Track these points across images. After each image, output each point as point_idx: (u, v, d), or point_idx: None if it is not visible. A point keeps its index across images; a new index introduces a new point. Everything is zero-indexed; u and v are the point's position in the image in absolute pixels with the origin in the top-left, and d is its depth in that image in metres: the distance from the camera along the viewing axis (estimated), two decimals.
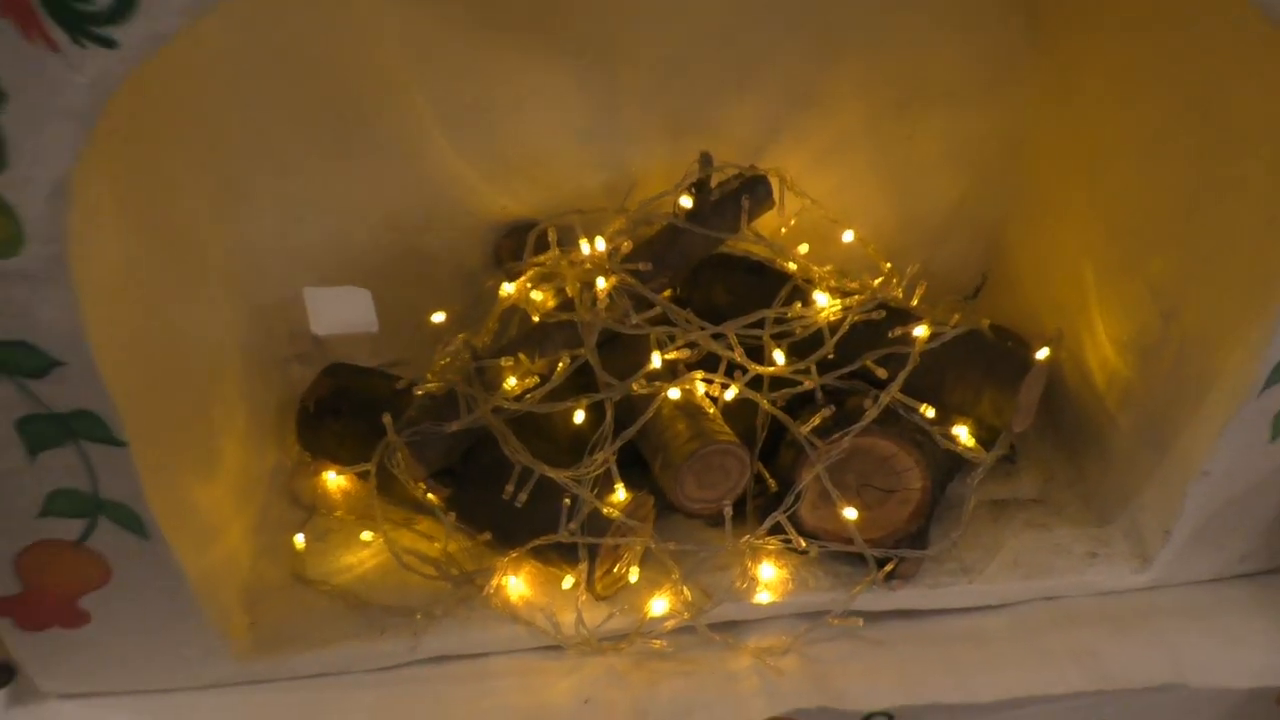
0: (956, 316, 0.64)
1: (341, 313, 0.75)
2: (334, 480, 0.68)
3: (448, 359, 0.62)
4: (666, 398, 0.58)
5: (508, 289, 0.65)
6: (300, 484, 0.68)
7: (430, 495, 0.60)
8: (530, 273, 0.64)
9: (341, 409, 0.66)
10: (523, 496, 0.57)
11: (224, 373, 0.63)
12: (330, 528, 0.66)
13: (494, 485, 0.58)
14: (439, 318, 0.67)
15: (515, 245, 0.68)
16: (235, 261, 0.66)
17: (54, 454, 0.47)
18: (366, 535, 0.64)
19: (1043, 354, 0.61)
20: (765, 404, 0.59)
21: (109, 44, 0.35)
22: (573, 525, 0.56)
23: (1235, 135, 0.52)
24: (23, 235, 0.39)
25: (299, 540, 0.64)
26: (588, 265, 0.62)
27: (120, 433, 0.46)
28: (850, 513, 0.57)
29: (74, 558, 0.51)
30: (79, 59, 0.36)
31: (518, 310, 0.65)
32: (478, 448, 0.60)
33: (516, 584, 0.60)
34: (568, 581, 0.59)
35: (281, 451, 0.70)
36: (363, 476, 0.61)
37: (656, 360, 0.58)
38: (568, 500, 0.56)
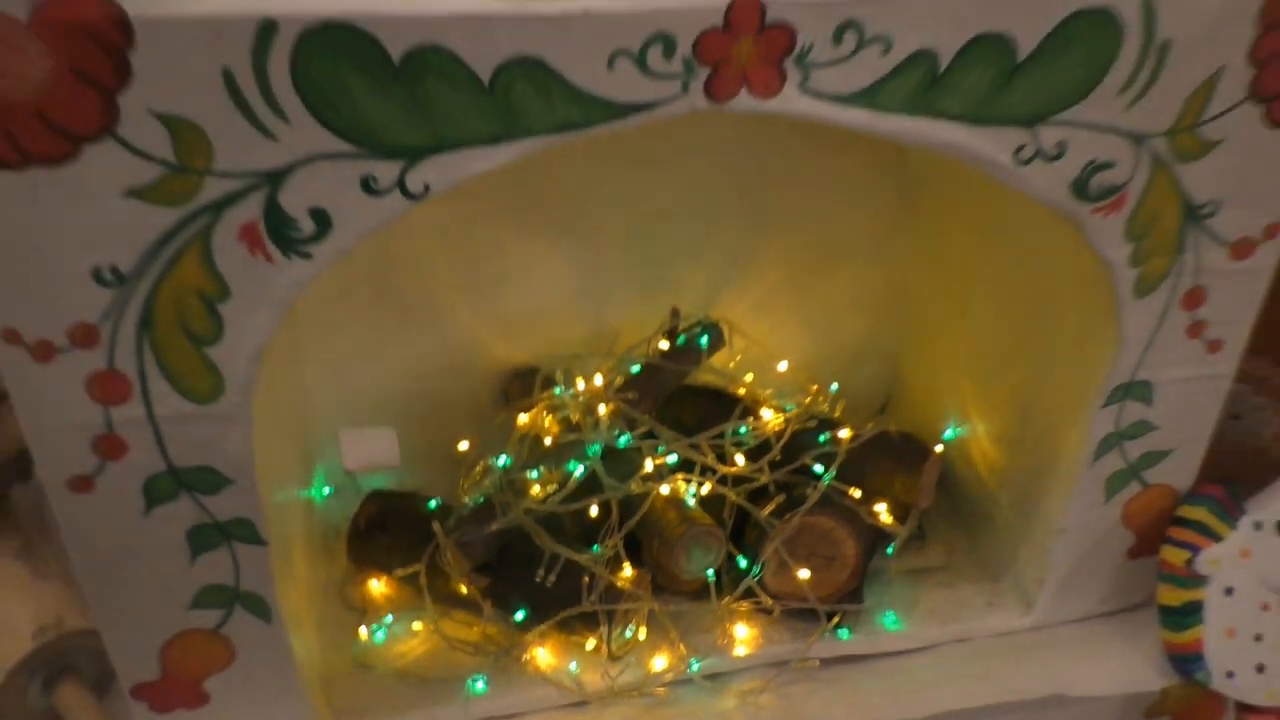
0: (871, 424, 0.83)
1: (370, 449, 0.90)
2: (378, 587, 0.82)
3: (478, 476, 0.78)
4: (658, 493, 0.75)
5: (523, 419, 0.82)
6: (352, 591, 0.82)
7: (473, 586, 0.75)
8: (540, 405, 0.82)
9: (388, 524, 0.81)
10: (551, 578, 0.73)
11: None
12: (381, 625, 0.80)
13: (526, 572, 0.74)
14: (464, 445, 0.84)
15: (522, 386, 0.86)
16: (296, 404, 0.82)
17: (211, 555, 0.61)
18: (416, 625, 0.78)
19: (938, 447, 0.81)
20: (732, 496, 0.77)
21: (307, 257, 0.53)
22: (593, 597, 0.72)
23: (1053, 283, 0.73)
24: (224, 387, 0.55)
25: (363, 632, 0.78)
26: (586, 397, 0.80)
27: (265, 534, 0.61)
28: (804, 573, 0.75)
29: (209, 644, 0.64)
30: (286, 267, 0.53)
31: (529, 436, 0.82)
32: (510, 545, 0.76)
33: (544, 653, 0.75)
34: (590, 644, 0.74)
35: (331, 565, 0.85)
36: (412, 578, 0.76)
37: (649, 465, 0.75)
38: (587, 578, 0.72)
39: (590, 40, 0.49)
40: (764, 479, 0.77)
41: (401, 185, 0.51)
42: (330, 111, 0.48)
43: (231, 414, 0.56)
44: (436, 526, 0.74)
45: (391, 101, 0.49)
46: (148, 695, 0.66)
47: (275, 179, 0.50)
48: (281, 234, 0.51)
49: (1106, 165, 0.60)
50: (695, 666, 0.74)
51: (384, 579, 0.81)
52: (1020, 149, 0.58)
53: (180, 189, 0.49)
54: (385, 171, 0.51)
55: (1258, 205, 0.65)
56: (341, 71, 0.47)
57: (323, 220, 0.51)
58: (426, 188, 0.52)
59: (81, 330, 0.52)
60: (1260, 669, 0.77)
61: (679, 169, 0.83)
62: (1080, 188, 0.60)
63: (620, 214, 0.85)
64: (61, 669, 0.72)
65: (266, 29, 0.46)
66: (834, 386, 0.87)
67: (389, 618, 0.78)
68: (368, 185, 0.51)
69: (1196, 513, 0.77)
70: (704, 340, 0.82)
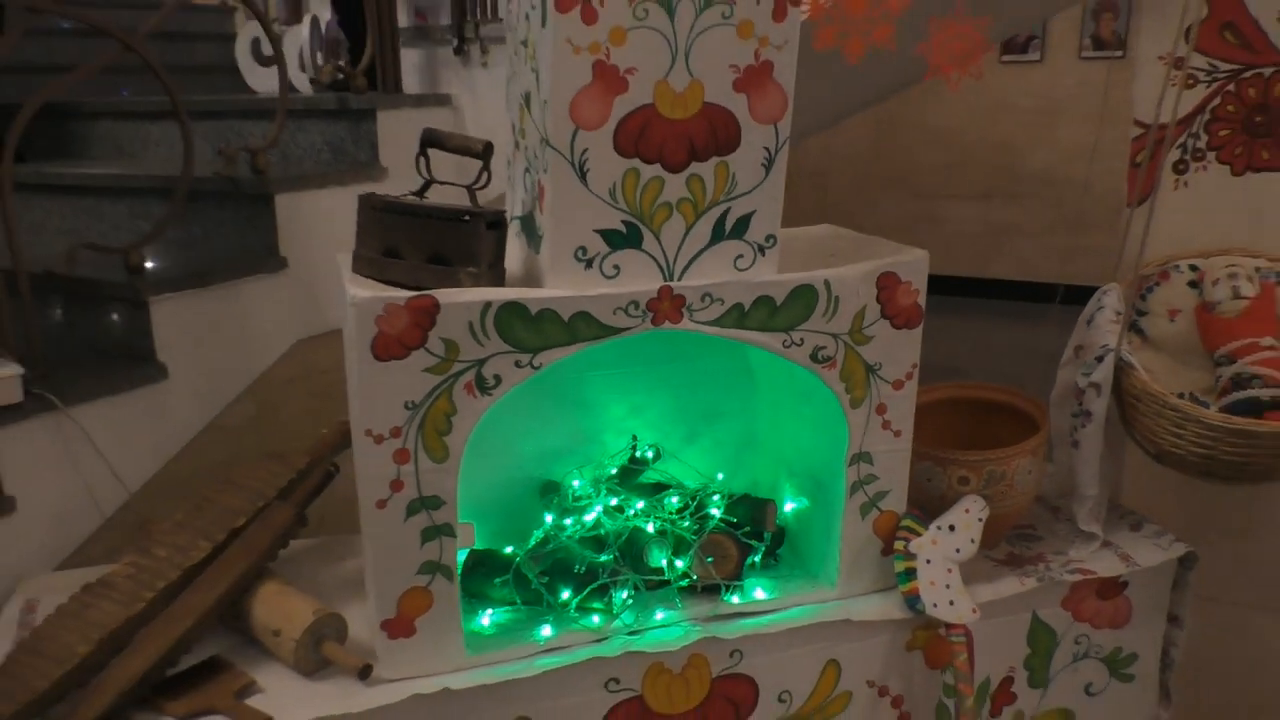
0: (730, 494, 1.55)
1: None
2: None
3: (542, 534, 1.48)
4: (638, 528, 1.45)
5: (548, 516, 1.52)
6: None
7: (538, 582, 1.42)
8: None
9: (481, 563, 1.48)
10: (582, 569, 1.41)
11: None
12: (485, 610, 1.46)
13: (569, 571, 1.42)
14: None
15: (548, 488, 1.56)
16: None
17: (430, 544, 1.28)
18: (506, 608, 1.44)
19: (771, 501, 1.54)
20: (673, 528, 1.48)
21: (490, 396, 1.25)
22: (605, 578, 1.40)
23: (814, 406, 1.49)
24: (449, 456, 1.25)
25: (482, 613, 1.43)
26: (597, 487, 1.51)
27: (457, 533, 1.29)
28: (710, 565, 1.45)
29: (423, 595, 1.30)
30: (481, 401, 1.25)
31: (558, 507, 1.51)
32: (558, 560, 1.44)
33: (576, 612, 1.42)
34: (601, 607, 1.41)
35: None
36: (505, 586, 1.43)
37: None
38: (601, 572, 1.41)
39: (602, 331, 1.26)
40: (686, 520, 1.48)
41: (532, 364, 1.25)
42: (507, 335, 1.23)
43: (450, 469, 1.26)
44: (521, 557, 1.42)
45: (529, 330, 1.23)
46: (388, 627, 1.30)
47: (481, 363, 1.23)
48: (482, 386, 1.24)
49: (823, 347, 1.37)
50: (658, 614, 1.42)
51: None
52: (785, 342, 1.35)
53: (444, 369, 1.22)
54: (524, 359, 1.25)
55: (900, 364, 1.43)
56: (509, 321, 1.22)
57: (498, 381, 1.25)
58: (538, 366, 1.26)
59: (395, 430, 1.23)
60: (951, 603, 1.47)
61: (631, 372, 1.59)
62: (814, 357, 1.38)
63: (610, 391, 1.59)
64: (322, 636, 1.35)
65: (487, 304, 1.21)
66: (720, 477, 1.60)
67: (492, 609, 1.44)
68: (517, 364, 1.25)
69: (908, 523, 1.50)
70: (649, 454, 1.55)
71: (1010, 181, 6.00)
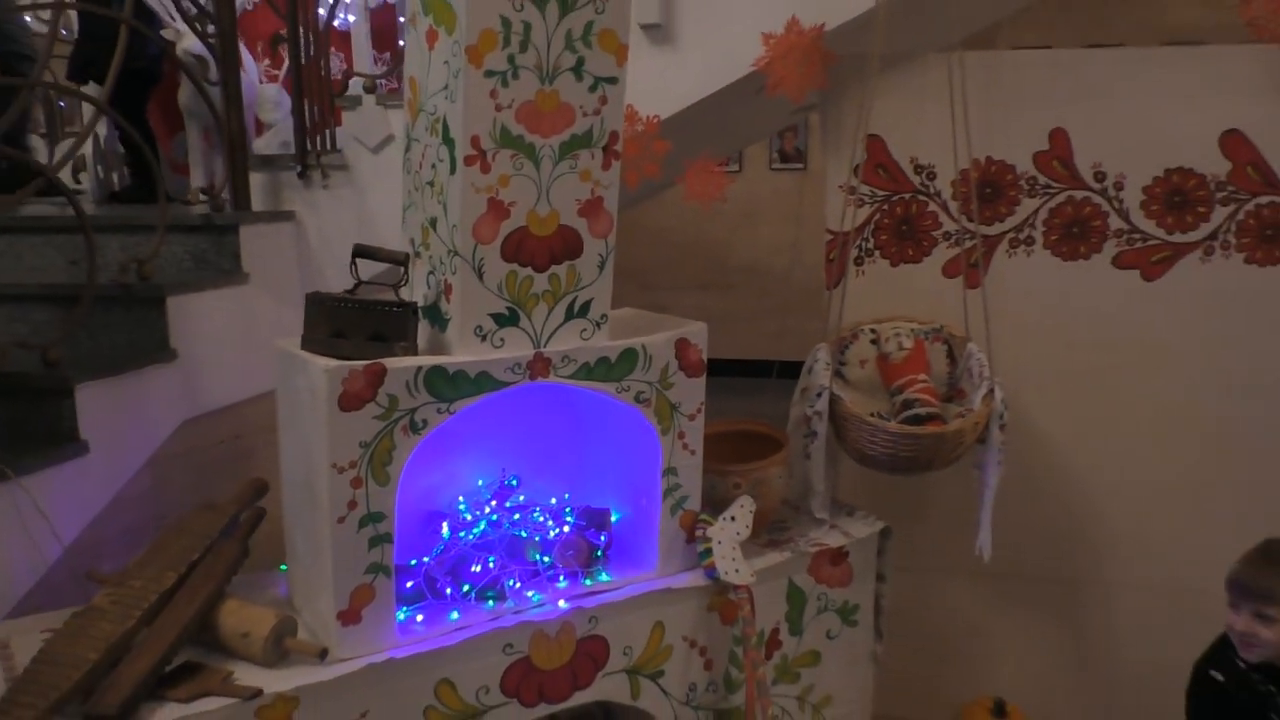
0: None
1: None
2: None
3: None
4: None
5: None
6: None
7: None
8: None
9: None
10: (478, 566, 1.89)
11: None
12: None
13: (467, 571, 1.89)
14: None
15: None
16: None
17: (374, 549, 1.72)
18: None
19: (608, 509, 2.09)
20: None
21: (420, 434, 1.73)
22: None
23: (640, 435, 2.07)
24: (390, 480, 1.71)
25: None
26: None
27: (393, 539, 1.73)
28: (570, 557, 1.97)
29: (368, 590, 1.72)
30: (413, 439, 1.73)
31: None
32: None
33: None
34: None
35: None
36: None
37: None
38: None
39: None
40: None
41: (449, 410, 1.75)
42: (432, 390, 1.72)
43: (390, 491, 1.72)
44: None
45: (447, 385, 1.73)
46: (341, 617, 1.72)
47: (413, 411, 1.71)
48: (414, 428, 1.72)
49: (643, 392, 1.96)
50: (537, 596, 1.92)
51: None
52: (618, 389, 1.93)
53: (387, 416, 1.69)
54: (443, 406, 1.74)
55: (693, 402, 2.04)
56: (434, 380, 1.72)
57: (425, 423, 1.73)
58: (453, 411, 1.76)
59: (352, 463, 1.67)
60: (737, 571, 2.07)
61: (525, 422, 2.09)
62: (637, 399, 1.96)
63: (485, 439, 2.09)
64: (283, 633, 1.74)
65: (419, 368, 1.70)
66: (567, 495, 2.13)
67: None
68: (438, 410, 1.74)
69: (703, 517, 2.10)
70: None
71: (722, 274, 6.99)
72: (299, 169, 2.63)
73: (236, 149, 2.51)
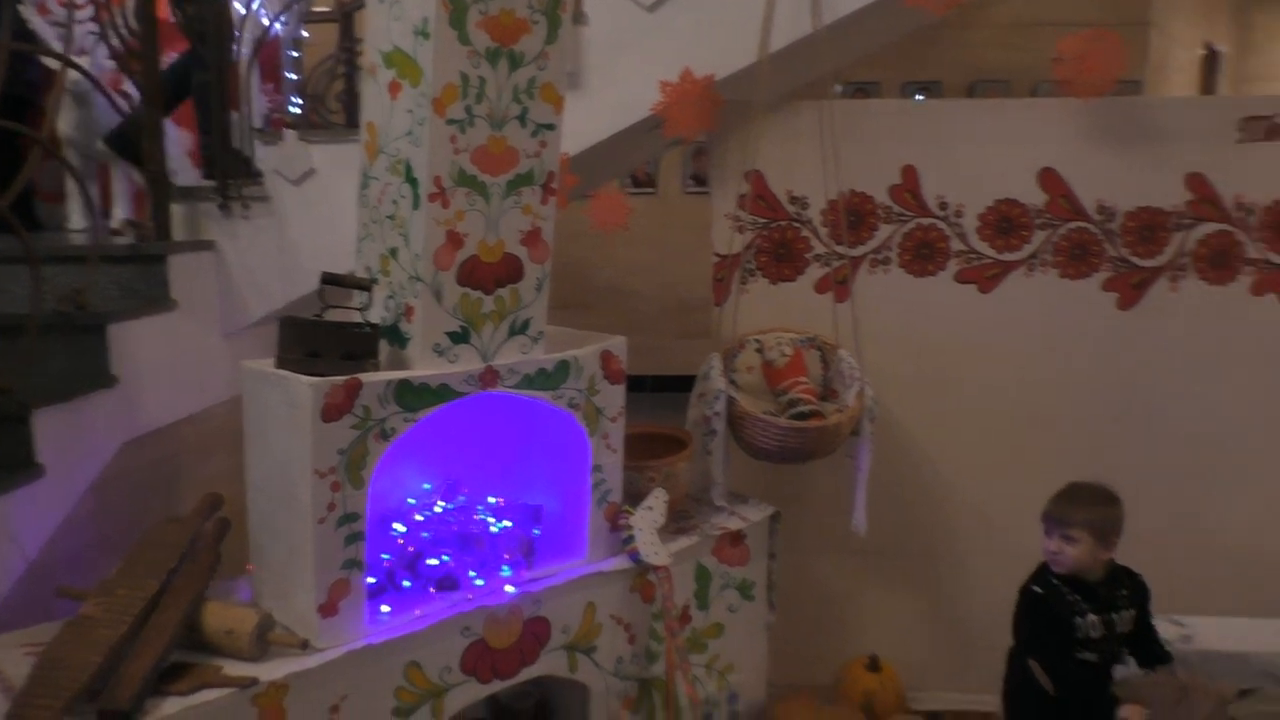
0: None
1: None
2: None
3: None
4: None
5: None
6: None
7: None
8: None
9: None
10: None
11: None
12: None
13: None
14: None
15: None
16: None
17: (350, 546, 1.91)
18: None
19: (542, 505, 2.34)
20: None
21: (388, 441, 1.94)
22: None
23: (572, 436, 2.33)
24: (364, 483, 1.91)
25: None
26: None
27: (364, 536, 1.93)
28: (515, 548, 2.21)
29: (344, 584, 1.91)
30: (383, 445, 1.94)
31: None
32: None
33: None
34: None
35: None
36: None
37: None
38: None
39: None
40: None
41: (414, 418, 1.96)
42: (400, 401, 1.93)
43: (364, 493, 1.91)
44: None
45: (413, 396, 1.95)
46: (321, 610, 1.90)
47: (384, 420, 1.92)
48: (384, 435, 1.93)
49: (575, 399, 2.22)
50: (488, 583, 2.14)
51: None
52: (554, 397, 2.18)
53: (362, 425, 1.89)
54: (409, 415, 1.95)
55: (615, 406, 2.32)
56: (401, 392, 1.93)
57: (393, 430, 1.94)
58: (416, 419, 1.97)
59: (331, 468, 1.87)
60: (656, 553, 2.36)
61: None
62: (570, 405, 2.22)
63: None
64: (266, 629, 1.90)
65: (389, 381, 1.91)
66: (502, 499, 2.36)
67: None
68: (405, 419, 1.95)
69: (625, 508, 2.38)
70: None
71: (583, 293, 7.29)
72: (220, 201, 2.75)
73: (159, 181, 2.62)
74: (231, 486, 2.23)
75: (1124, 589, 2.16)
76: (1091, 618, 2.11)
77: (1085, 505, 2.12)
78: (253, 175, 2.76)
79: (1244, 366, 2.85)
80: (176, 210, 2.75)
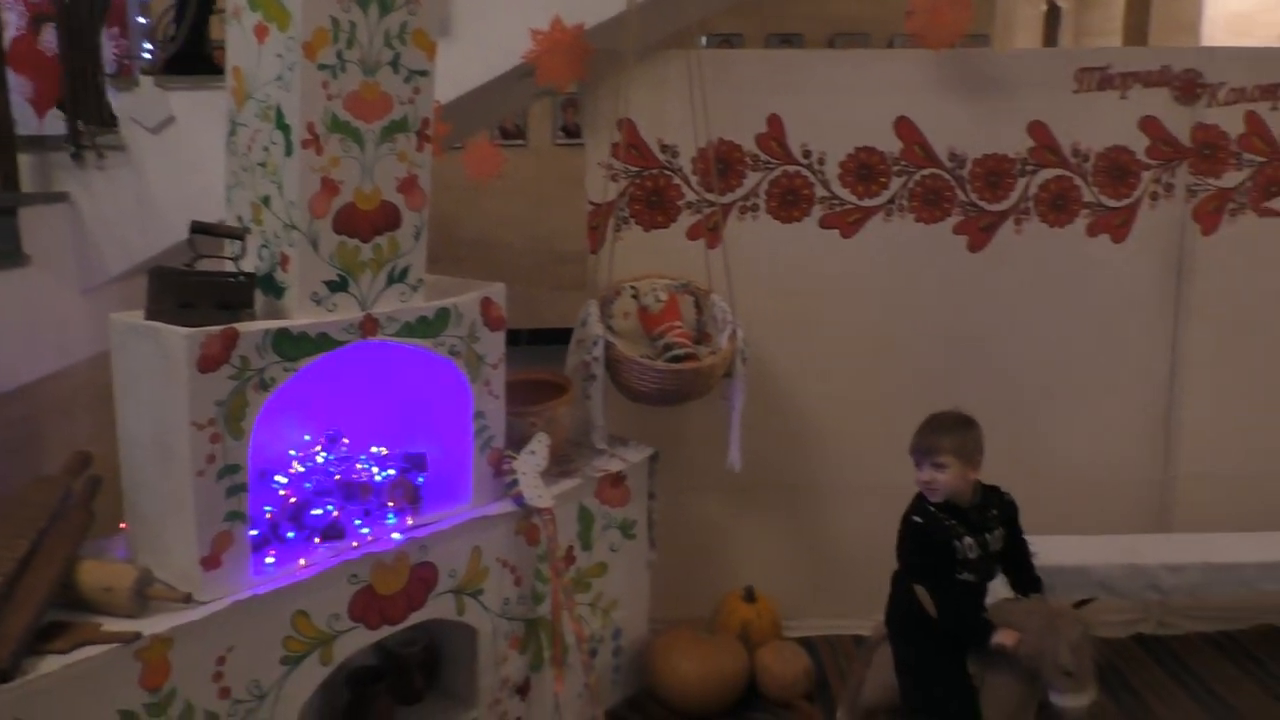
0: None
1: None
2: None
3: None
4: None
5: None
6: None
7: None
8: None
9: None
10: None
11: None
12: None
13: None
14: None
15: None
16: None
17: (232, 498, 1.89)
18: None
19: (424, 454, 2.35)
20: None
21: (267, 391, 1.93)
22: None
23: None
24: (243, 435, 1.89)
25: None
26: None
27: (248, 488, 1.92)
28: (399, 496, 2.23)
29: (226, 537, 1.89)
30: (262, 396, 1.92)
31: None
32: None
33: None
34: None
35: None
36: None
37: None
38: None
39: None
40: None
41: (294, 368, 1.95)
42: (278, 350, 1.91)
43: (244, 445, 1.90)
44: None
45: (291, 346, 1.93)
46: (204, 563, 1.88)
47: (262, 370, 1.90)
48: (263, 386, 1.91)
49: (456, 346, 2.24)
50: (374, 531, 2.16)
51: None
52: (435, 345, 2.20)
53: (240, 375, 1.87)
54: (289, 365, 1.94)
55: (496, 353, 2.35)
56: (279, 342, 1.91)
57: (273, 381, 1.93)
58: (296, 370, 1.96)
59: (210, 420, 1.84)
60: (540, 496, 2.41)
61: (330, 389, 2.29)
62: (451, 352, 2.23)
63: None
64: (145, 584, 1.87)
65: (267, 330, 1.89)
66: (385, 448, 2.37)
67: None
68: (284, 369, 1.93)
69: (508, 453, 2.41)
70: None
71: (451, 247, 7.20)
72: (72, 150, 2.62)
73: (6, 130, 2.48)
74: (98, 446, 2.18)
75: (994, 509, 2.29)
76: (968, 540, 2.24)
77: (947, 432, 2.25)
78: (107, 122, 2.64)
79: (1081, 302, 3.07)
80: (24, 160, 2.61)
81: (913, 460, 2.26)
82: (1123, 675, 2.93)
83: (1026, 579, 2.36)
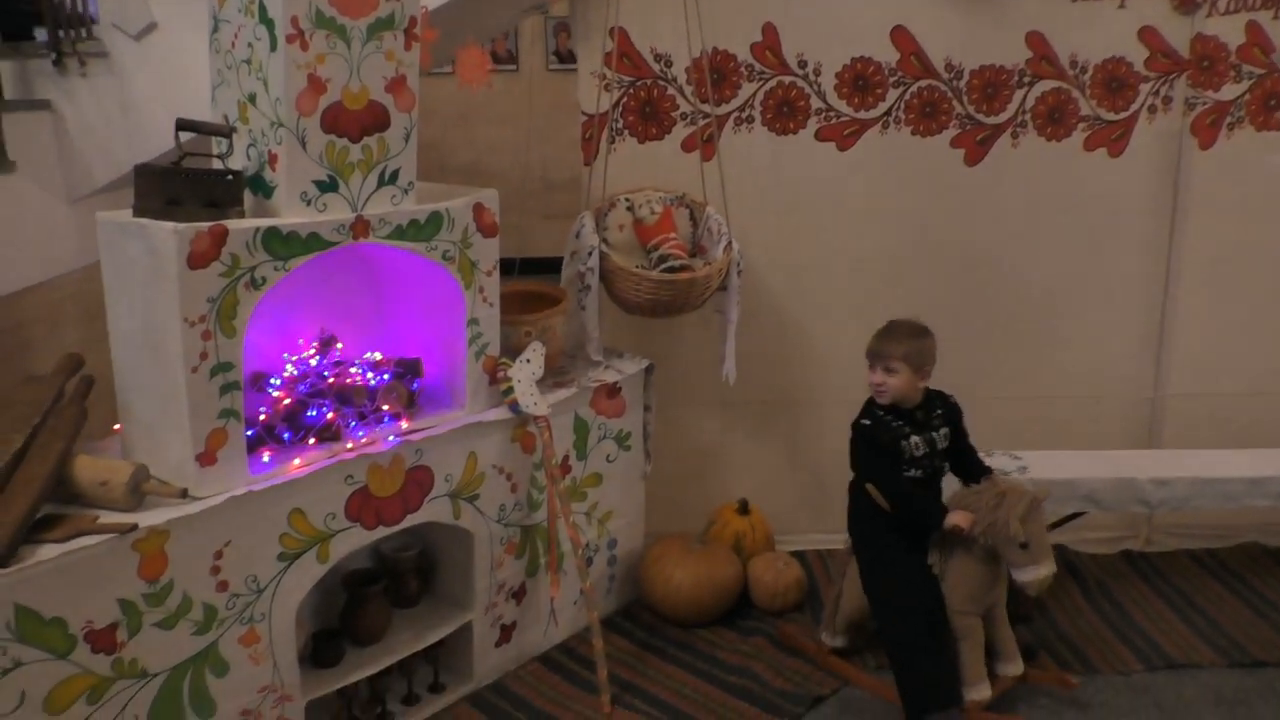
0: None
1: None
2: None
3: None
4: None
5: None
6: None
7: None
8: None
9: None
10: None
11: None
12: None
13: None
14: None
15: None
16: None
17: (226, 396, 1.89)
18: None
19: (420, 359, 2.36)
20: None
21: (260, 289, 1.92)
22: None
23: (450, 291, 2.34)
24: (236, 332, 1.89)
25: None
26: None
27: (241, 386, 1.92)
28: (394, 399, 2.23)
29: (222, 434, 1.90)
30: (254, 294, 1.91)
31: None
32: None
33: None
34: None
35: None
36: None
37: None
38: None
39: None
40: None
41: (285, 268, 1.94)
42: (269, 249, 1.90)
43: (238, 343, 1.90)
44: None
45: (282, 245, 1.92)
46: (199, 459, 1.89)
47: (253, 269, 1.89)
48: (255, 284, 1.90)
49: (448, 251, 2.23)
50: (369, 434, 2.16)
51: None
52: (428, 249, 2.18)
53: (231, 273, 1.86)
54: (279, 264, 1.93)
55: (490, 259, 2.34)
56: (270, 240, 1.90)
57: (264, 280, 1.92)
58: (288, 269, 1.95)
59: (201, 317, 1.84)
60: (535, 404, 2.42)
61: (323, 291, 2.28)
62: (444, 257, 2.22)
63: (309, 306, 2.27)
64: (140, 479, 1.88)
65: (257, 229, 1.88)
66: (379, 353, 2.36)
67: None
68: (275, 268, 1.93)
69: (503, 360, 2.41)
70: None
71: (441, 175, 7.12)
72: (54, 57, 2.58)
73: None
74: (88, 357, 2.17)
75: (939, 409, 2.37)
76: (915, 439, 2.32)
77: (903, 339, 2.31)
78: (86, 26, 2.59)
79: (1077, 217, 3.05)
80: (5, 67, 2.56)
81: (867, 362, 2.31)
82: (1108, 589, 2.97)
83: (975, 471, 2.42)
